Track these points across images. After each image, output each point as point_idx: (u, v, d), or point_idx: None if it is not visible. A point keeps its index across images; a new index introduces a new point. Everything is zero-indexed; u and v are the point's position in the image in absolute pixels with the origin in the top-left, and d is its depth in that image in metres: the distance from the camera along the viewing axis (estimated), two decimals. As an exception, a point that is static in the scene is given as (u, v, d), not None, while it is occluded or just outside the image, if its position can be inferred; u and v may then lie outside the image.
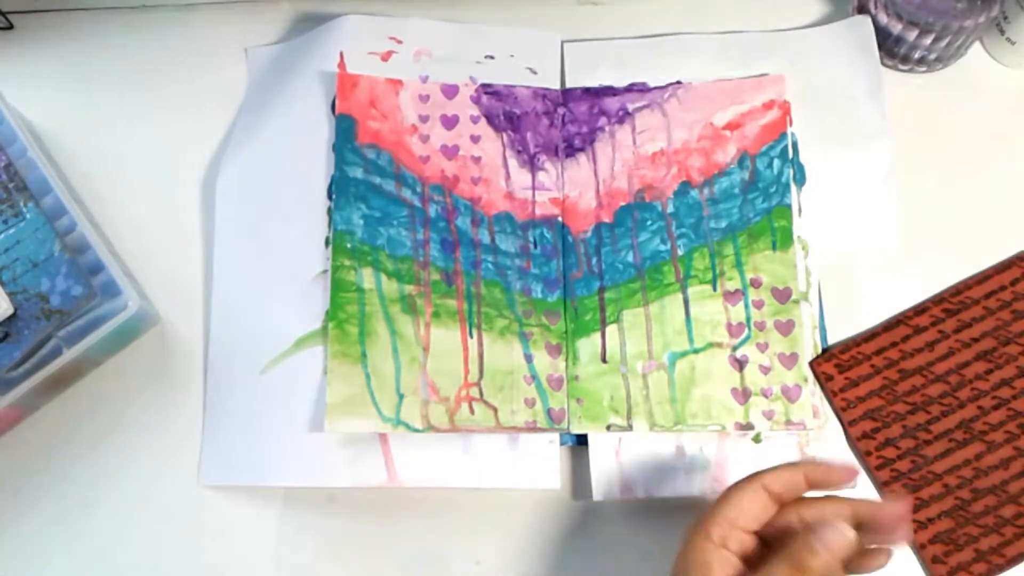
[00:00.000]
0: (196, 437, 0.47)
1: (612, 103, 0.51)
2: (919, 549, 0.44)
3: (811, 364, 0.46)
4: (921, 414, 0.45)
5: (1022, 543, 0.43)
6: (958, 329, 0.46)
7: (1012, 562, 0.43)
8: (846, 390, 0.46)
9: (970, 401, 0.45)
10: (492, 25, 0.53)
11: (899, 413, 0.45)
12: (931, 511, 0.44)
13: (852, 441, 0.45)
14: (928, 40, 0.50)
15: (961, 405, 0.45)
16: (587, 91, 0.51)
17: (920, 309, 0.47)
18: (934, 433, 0.45)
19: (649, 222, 0.48)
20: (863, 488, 0.45)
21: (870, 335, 0.47)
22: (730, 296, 0.47)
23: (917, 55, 0.51)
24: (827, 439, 0.45)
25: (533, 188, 0.49)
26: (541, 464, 0.45)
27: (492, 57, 0.52)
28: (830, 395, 0.46)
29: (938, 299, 0.47)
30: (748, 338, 0.46)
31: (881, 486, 0.45)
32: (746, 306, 0.47)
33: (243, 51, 0.54)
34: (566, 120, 0.51)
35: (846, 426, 0.45)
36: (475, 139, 0.50)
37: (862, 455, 0.45)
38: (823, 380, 0.46)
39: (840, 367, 0.46)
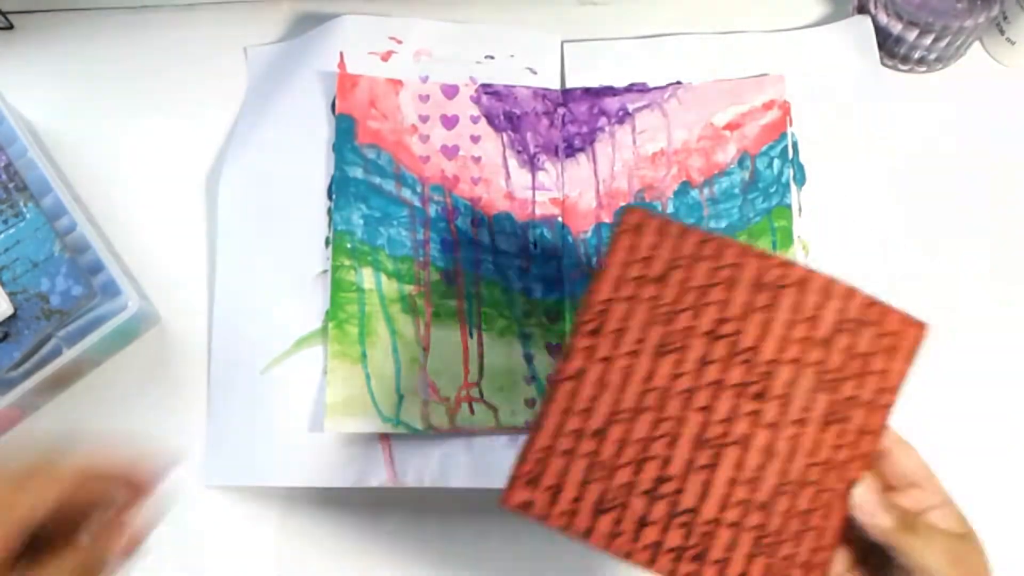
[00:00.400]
0: (196, 437, 0.47)
1: (612, 103, 0.51)
2: None
3: (506, 506, 0.33)
4: (647, 466, 0.32)
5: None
6: (615, 343, 0.33)
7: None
8: (554, 505, 0.33)
9: (684, 411, 0.33)
10: (492, 25, 0.53)
11: (617, 487, 0.32)
12: (754, 569, 0.32)
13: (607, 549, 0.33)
14: (928, 40, 0.50)
15: (680, 425, 0.32)
16: (587, 91, 0.51)
17: (565, 358, 0.34)
18: (674, 472, 0.32)
19: (649, 222, 0.48)
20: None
21: (534, 426, 0.34)
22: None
23: (917, 55, 0.51)
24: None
25: (533, 188, 0.49)
26: (541, 464, 0.45)
27: (492, 57, 0.52)
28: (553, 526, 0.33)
29: (573, 331, 0.34)
30: (748, 338, 0.46)
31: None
32: (746, 306, 0.47)
33: (243, 51, 0.54)
34: (566, 120, 0.51)
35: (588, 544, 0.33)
36: (475, 139, 0.50)
37: (624, 556, 0.32)
38: (534, 519, 0.33)
39: (532, 484, 0.33)
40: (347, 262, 0.47)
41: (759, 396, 0.33)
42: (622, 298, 0.34)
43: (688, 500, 0.32)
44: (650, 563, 0.32)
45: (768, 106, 0.50)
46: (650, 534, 0.32)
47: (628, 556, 0.32)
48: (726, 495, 0.32)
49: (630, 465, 0.33)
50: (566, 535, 0.33)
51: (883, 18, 0.51)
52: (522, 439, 0.45)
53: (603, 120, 0.50)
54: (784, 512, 0.32)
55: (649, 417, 0.33)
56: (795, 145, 0.49)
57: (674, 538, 0.32)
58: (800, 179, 0.49)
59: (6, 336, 0.44)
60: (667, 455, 0.33)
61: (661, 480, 0.32)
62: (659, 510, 0.32)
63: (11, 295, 0.45)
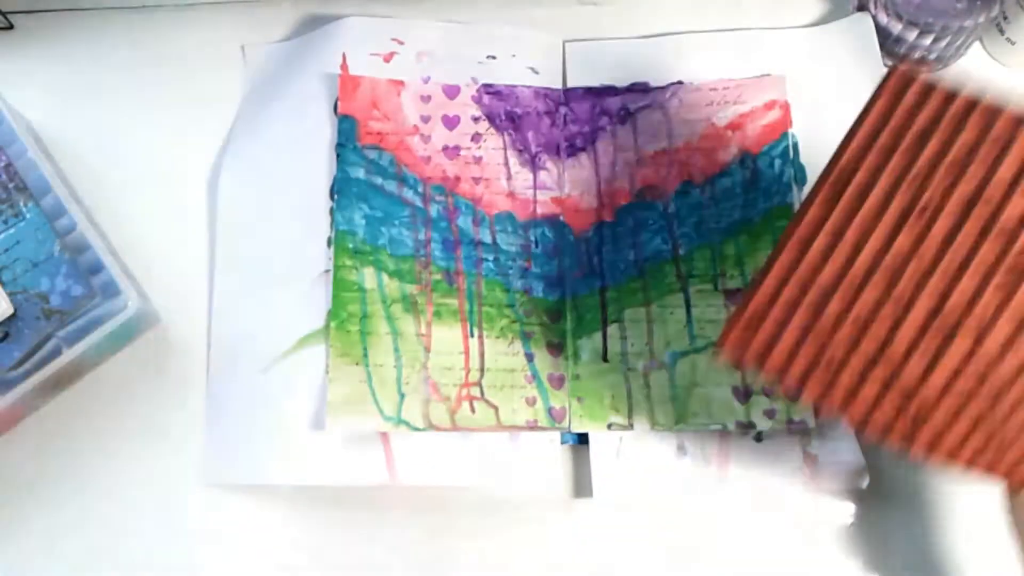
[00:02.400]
0: (196, 436, 0.47)
1: (613, 103, 0.51)
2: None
3: (722, 349, 0.35)
4: (869, 341, 0.33)
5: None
6: (859, 200, 0.33)
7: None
8: (764, 358, 0.34)
9: (922, 281, 0.32)
10: (494, 26, 0.53)
11: (838, 359, 0.33)
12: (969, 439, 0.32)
13: (814, 412, 0.37)
14: (928, 40, 0.50)
15: (912, 301, 0.32)
16: (588, 91, 0.51)
17: (802, 211, 0.34)
18: (901, 349, 0.32)
19: (650, 221, 0.49)
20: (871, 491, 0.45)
21: (756, 280, 0.34)
22: (731, 295, 0.47)
23: (917, 55, 0.52)
24: (831, 439, 0.45)
25: (534, 187, 0.49)
26: (542, 463, 0.45)
27: (494, 57, 0.52)
28: (765, 381, 0.36)
29: (819, 181, 0.34)
30: (749, 337, 0.46)
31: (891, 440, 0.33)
32: (747, 305, 0.47)
33: (242, 50, 0.54)
34: (568, 120, 0.51)
35: (793, 402, 0.37)
36: (477, 139, 0.50)
37: (838, 409, 0.33)
38: (733, 365, 0.37)
39: (739, 345, 0.34)
40: (349, 262, 0.47)
41: (1010, 283, 0.31)
42: (870, 160, 0.34)
43: (907, 373, 0.32)
44: (864, 419, 0.33)
45: (769, 106, 0.50)
46: (868, 392, 0.33)
47: (843, 408, 0.33)
48: (950, 380, 0.32)
49: (853, 327, 0.33)
50: (777, 384, 0.35)
51: (883, 18, 0.51)
52: (522, 438, 0.45)
53: (605, 120, 0.51)
54: (1012, 404, 0.32)
55: (881, 283, 0.32)
56: (795, 145, 0.49)
57: (892, 399, 0.32)
58: (801, 179, 0.49)
59: (6, 336, 0.44)
60: (893, 324, 0.32)
61: (884, 347, 0.32)
62: (879, 372, 0.32)
63: (11, 295, 0.45)
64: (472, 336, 0.46)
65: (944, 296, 0.32)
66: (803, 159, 0.49)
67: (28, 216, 0.46)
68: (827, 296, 0.33)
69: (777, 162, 0.49)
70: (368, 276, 0.47)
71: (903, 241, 0.32)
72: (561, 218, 0.49)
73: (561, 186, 0.50)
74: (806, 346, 0.33)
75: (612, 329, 0.47)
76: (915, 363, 0.32)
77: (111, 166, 0.52)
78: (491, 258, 0.48)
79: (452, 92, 0.51)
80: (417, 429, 0.45)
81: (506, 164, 0.50)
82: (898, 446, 0.33)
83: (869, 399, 0.33)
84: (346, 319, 0.46)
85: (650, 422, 0.45)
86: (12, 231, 0.46)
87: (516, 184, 0.49)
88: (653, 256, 0.48)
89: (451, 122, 0.50)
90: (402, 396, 0.45)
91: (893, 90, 0.34)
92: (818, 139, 0.50)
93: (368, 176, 0.49)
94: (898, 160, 0.33)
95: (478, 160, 0.50)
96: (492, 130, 0.50)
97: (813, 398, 0.33)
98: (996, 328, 0.31)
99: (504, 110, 0.51)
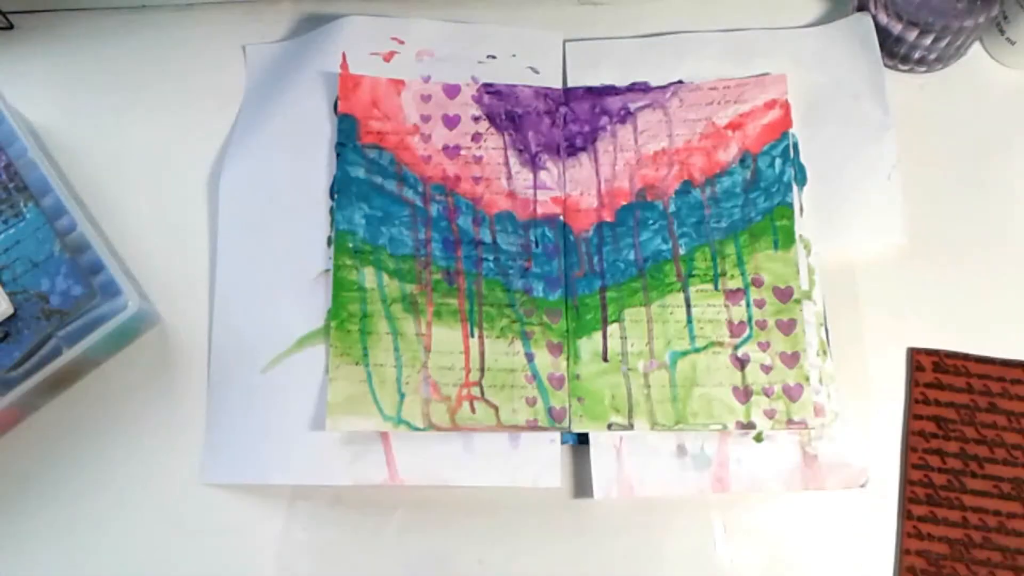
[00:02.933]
0: (197, 436, 0.47)
1: (614, 102, 0.51)
2: (903, 553, 0.44)
3: (912, 350, 0.46)
4: (984, 449, 0.45)
5: None
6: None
7: None
8: (930, 387, 0.46)
9: None
10: (494, 25, 0.53)
11: (965, 436, 0.45)
12: (937, 530, 0.44)
13: (907, 433, 0.45)
14: (928, 40, 0.50)
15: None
16: (589, 90, 0.51)
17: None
18: (985, 471, 0.45)
19: (651, 221, 0.48)
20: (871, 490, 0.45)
21: (985, 359, 0.46)
22: (731, 295, 0.47)
23: (917, 55, 0.52)
24: (831, 438, 0.45)
25: (535, 187, 0.49)
26: (542, 463, 0.45)
27: (494, 57, 0.52)
28: (912, 383, 0.46)
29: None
30: (749, 337, 0.46)
31: (906, 483, 0.45)
32: (747, 305, 0.47)
33: (243, 50, 0.54)
34: (568, 119, 0.51)
35: (910, 417, 0.45)
36: (477, 138, 0.50)
37: (908, 449, 0.45)
38: (914, 367, 0.46)
39: (938, 366, 0.46)
40: (349, 261, 0.47)
41: None
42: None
43: (970, 482, 0.44)
44: (914, 467, 0.44)
45: (769, 105, 0.50)
46: (934, 460, 0.45)
47: (911, 451, 0.45)
48: (984, 508, 0.44)
49: (978, 436, 0.45)
50: (907, 406, 0.45)
51: (883, 18, 0.51)
52: (523, 437, 0.45)
53: (605, 119, 0.50)
54: (983, 558, 0.43)
55: (1019, 441, 0.45)
56: (796, 145, 0.49)
57: (938, 478, 0.45)
58: (801, 179, 0.49)
59: (6, 336, 0.44)
60: (997, 459, 0.44)
61: (974, 459, 0.45)
62: (953, 463, 0.45)
63: (11, 295, 0.45)
64: (472, 336, 0.46)
65: None
66: (803, 159, 0.49)
67: (28, 216, 0.46)
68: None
69: (777, 161, 0.49)
70: (368, 276, 0.47)
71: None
72: (561, 218, 0.49)
73: (561, 186, 0.49)
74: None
75: (612, 329, 0.47)
76: None
77: (111, 166, 0.52)
78: (491, 258, 0.48)
79: (452, 91, 0.51)
80: (417, 429, 0.45)
81: (506, 164, 0.50)
82: None
83: None
84: (346, 319, 0.46)
85: (650, 422, 0.45)
86: (12, 231, 0.46)
87: (516, 184, 0.49)
88: (653, 256, 0.48)
89: (451, 121, 0.50)
90: (402, 396, 0.45)
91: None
92: (818, 139, 0.50)
93: (368, 175, 0.48)
94: None
95: (478, 160, 0.50)
96: (492, 130, 0.50)
97: None
98: None
99: (504, 110, 0.50)
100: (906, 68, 0.53)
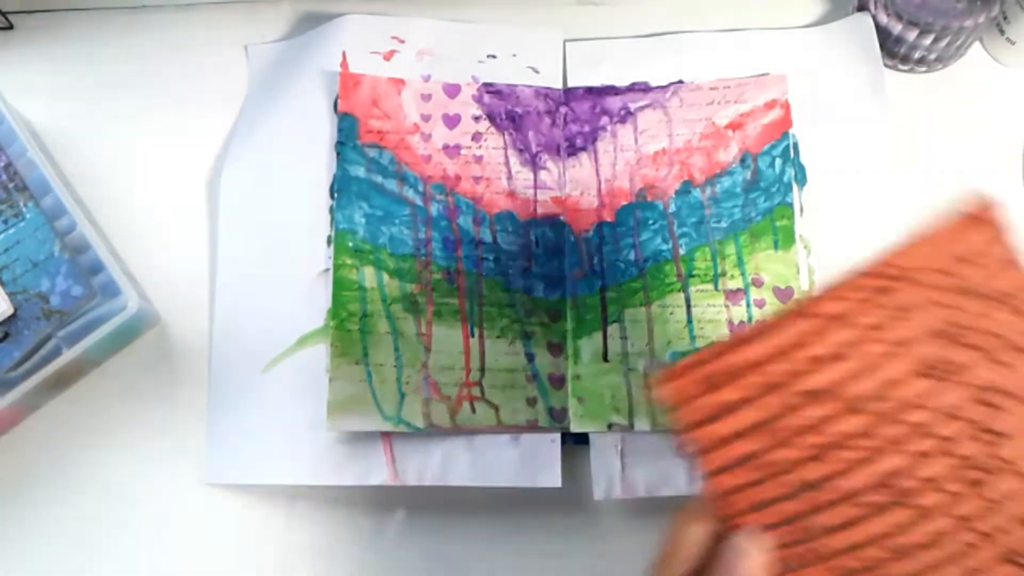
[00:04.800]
0: (197, 436, 0.46)
1: (614, 102, 0.51)
2: None
3: (661, 383, 0.29)
4: (819, 464, 0.28)
5: None
6: (885, 322, 0.29)
7: None
8: (703, 426, 0.29)
9: (899, 443, 0.28)
10: (494, 25, 0.53)
11: (786, 461, 0.28)
12: None
13: (712, 499, 0.29)
14: (928, 40, 0.50)
15: (883, 450, 0.28)
16: (589, 90, 0.51)
17: (826, 295, 0.29)
18: (839, 492, 0.28)
19: (651, 221, 0.48)
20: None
21: (740, 339, 0.28)
22: (732, 295, 0.47)
23: (917, 55, 0.52)
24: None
25: (535, 187, 0.49)
26: (542, 463, 0.45)
27: (494, 56, 0.52)
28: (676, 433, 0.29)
29: (853, 276, 0.30)
30: (750, 337, 0.46)
31: None
32: (748, 305, 0.47)
33: (244, 50, 0.54)
34: (568, 119, 0.51)
35: (704, 478, 0.29)
36: (477, 138, 0.50)
37: (726, 520, 0.29)
38: (660, 397, 0.29)
39: (687, 391, 0.29)
40: (349, 261, 0.47)
41: (970, 486, 0.28)
42: (917, 280, 0.29)
43: (824, 518, 0.28)
44: (738, 527, 0.28)
45: (770, 105, 0.50)
46: (769, 516, 0.28)
47: (730, 520, 0.29)
48: (863, 542, 0.28)
49: (801, 452, 0.28)
50: (691, 454, 0.29)
51: (883, 18, 0.51)
52: (523, 437, 0.45)
53: (605, 119, 0.50)
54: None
55: (861, 422, 0.28)
56: (796, 145, 0.49)
57: (784, 534, 0.28)
58: (801, 179, 0.49)
59: (6, 336, 0.44)
60: (845, 468, 0.28)
61: (812, 485, 0.28)
62: (790, 506, 0.28)
63: (11, 295, 0.45)
64: (473, 336, 0.46)
65: (912, 467, 0.28)
66: (803, 159, 0.49)
67: (28, 216, 0.46)
68: (798, 400, 0.28)
69: (778, 162, 0.49)
70: (368, 275, 0.47)
71: (913, 391, 0.28)
72: (562, 218, 0.49)
73: (561, 186, 0.49)
74: (747, 439, 0.28)
75: (612, 329, 0.47)
76: (837, 515, 0.28)
77: (111, 166, 0.52)
78: (492, 257, 0.48)
79: (452, 91, 0.51)
80: (417, 429, 0.44)
81: (507, 163, 0.50)
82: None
83: (766, 520, 0.28)
84: (346, 318, 0.46)
85: (651, 422, 0.45)
86: (12, 231, 0.46)
87: (517, 183, 0.49)
88: (653, 256, 0.48)
89: (451, 121, 0.50)
90: (402, 396, 0.45)
91: (968, 220, 0.31)
92: (818, 138, 0.50)
93: (368, 175, 0.48)
94: (942, 297, 0.29)
95: (479, 159, 0.50)
96: (492, 129, 0.50)
97: (715, 490, 0.29)
98: (936, 519, 0.28)
99: (504, 109, 0.50)
100: (906, 68, 0.53)
